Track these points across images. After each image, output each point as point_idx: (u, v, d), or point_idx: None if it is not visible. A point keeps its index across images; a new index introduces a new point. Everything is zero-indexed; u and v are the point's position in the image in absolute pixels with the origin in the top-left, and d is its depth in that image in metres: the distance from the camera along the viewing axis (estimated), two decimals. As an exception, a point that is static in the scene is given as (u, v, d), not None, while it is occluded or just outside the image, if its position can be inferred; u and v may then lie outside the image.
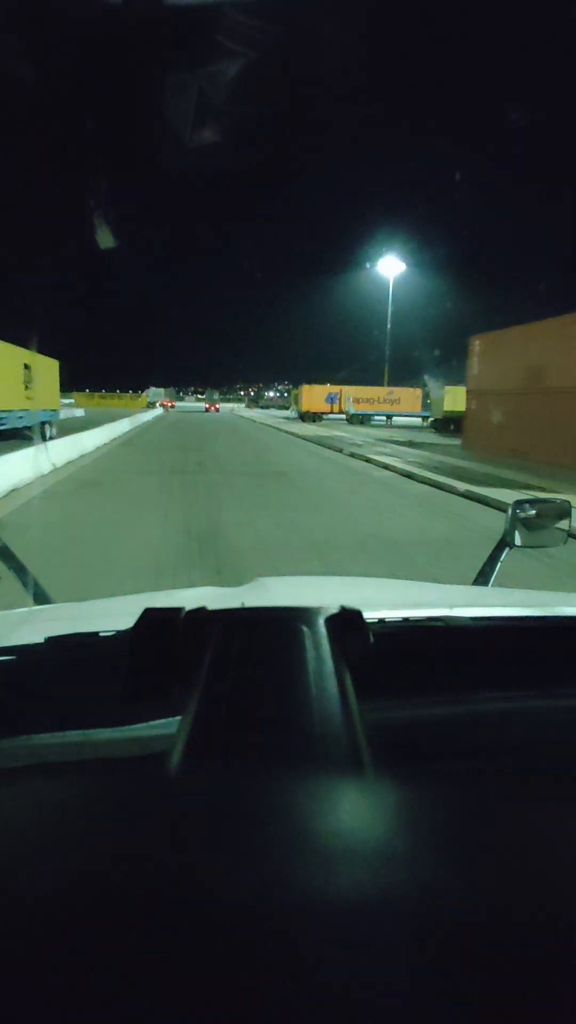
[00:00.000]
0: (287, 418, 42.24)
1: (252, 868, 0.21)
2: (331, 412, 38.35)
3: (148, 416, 33.99)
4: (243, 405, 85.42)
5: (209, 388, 61.97)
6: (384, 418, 39.05)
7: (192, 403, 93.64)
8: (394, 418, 39.06)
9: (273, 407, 74.88)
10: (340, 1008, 0.16)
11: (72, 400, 62.43)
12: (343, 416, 38.12)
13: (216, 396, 60.89)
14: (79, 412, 39.11)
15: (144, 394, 65.40)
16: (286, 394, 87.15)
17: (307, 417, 37.90)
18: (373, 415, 38.38)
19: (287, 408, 73.22)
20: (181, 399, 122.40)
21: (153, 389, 66.05)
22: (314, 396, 38.51)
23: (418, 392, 40.13)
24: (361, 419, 37.48)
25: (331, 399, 38.38)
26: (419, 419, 39.86)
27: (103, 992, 0.16)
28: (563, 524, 1.35)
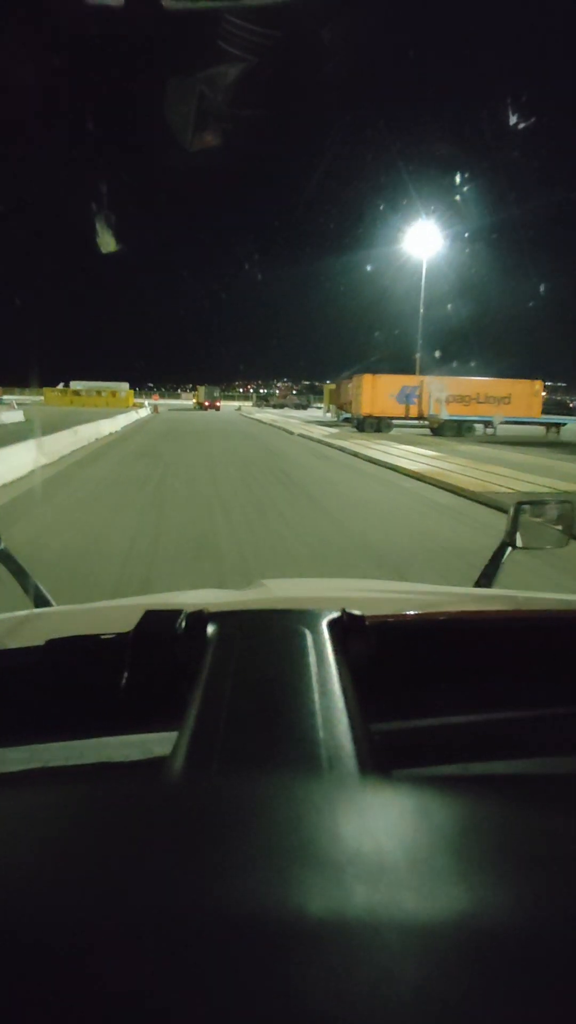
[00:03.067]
0: (324, 422, 28.42)
1: (254, 877, 0.20)
2: (405, 416, 24.20)
3: (115, 425, 19.99)
4: (251, 404, 72.60)
5: (207, 384, 48.39)
6: (482, 425, 25.10)
7: (185, 400, 79.72)
8: (498, 425, 25.20)
9: (288, 406, 61.31)
10: None
11: (41, 398, 49.17)
12: (418, 421, 24.21)
13: (217, 393, 47.98)
14: (15, 415, 25.16)
15: (78, 387, 50.04)
16: (296, 391, 73.67)
17: (368, 424, 23.89)
18: (474, 421, 24.34)
19: (305, 407, 60.06)
20: (178, 396, 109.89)
21: (85, 384, 50.54)
22: (379, 392, 24.14)
23: (538, 386, 25.84)
24: (458, 427, 23.64)
25: (406, 396, 24.11)
26: (542, 427, 26.00)
27: (100, 998, 0.16)
28: (565, 525, 1.35)
